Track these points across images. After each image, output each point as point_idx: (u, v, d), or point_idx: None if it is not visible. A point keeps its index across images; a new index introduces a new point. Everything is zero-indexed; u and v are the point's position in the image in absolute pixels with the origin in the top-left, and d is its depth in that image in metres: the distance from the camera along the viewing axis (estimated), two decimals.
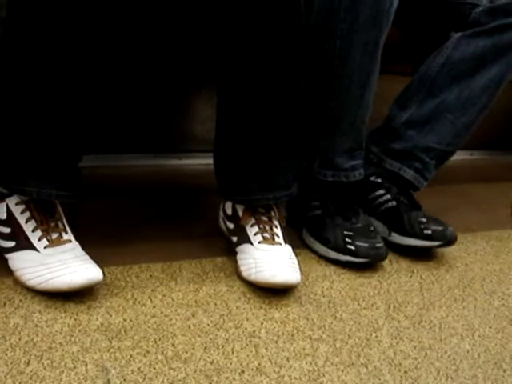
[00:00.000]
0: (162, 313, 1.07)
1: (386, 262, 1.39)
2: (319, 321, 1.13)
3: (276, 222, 1.26)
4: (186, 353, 0.98)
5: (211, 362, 0.97)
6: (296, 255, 1.25)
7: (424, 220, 1.46)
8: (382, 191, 1.53)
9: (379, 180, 1.55)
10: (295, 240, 1.40)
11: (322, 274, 1.30)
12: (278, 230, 1.25)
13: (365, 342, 1.10)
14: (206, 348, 1.00)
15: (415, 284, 1.33)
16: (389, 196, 1.52)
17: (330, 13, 1.30)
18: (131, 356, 0.95)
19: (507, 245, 1.64)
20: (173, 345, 1.00)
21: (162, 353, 0.97)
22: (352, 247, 1.35)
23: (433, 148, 1.53)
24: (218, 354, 1.00)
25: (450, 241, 1.45)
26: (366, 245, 1.35)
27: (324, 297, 1.21)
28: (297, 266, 1.21)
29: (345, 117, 1.39)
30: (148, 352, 0.97)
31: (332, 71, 1.34)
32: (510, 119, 2.47)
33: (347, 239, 1.36)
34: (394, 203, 1.51)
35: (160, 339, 1.00)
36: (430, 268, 1.42)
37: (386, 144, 1.56)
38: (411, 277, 1.36)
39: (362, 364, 1.04)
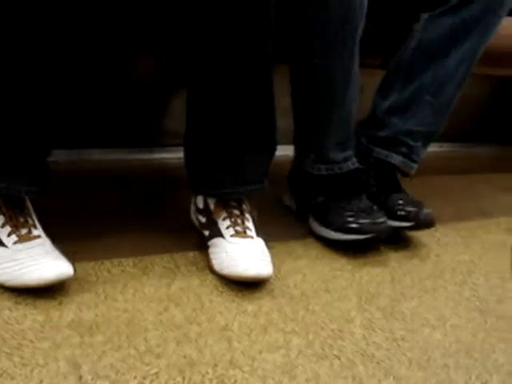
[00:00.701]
0: (134, 307, 1.06)
1: (358, 254, 1.40)
2: (292, 313, 1.13)
3: (248, 216, 1.26)
4: (159, 347, 0.98)
5: (184, 357, 0.97)
6: (268, 248, 1.25)
7: (401, 202, 1.50)
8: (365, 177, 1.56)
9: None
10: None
11: (295, 266, 1.30)
12: (249, 224, 1.24)
13: (337, 333, 1.10)
14: (178, 342, 1.00)
15: (387, 275, 1.34)
16: (372, 182, 1.57)
17: (304, 13, 1.32)
18: (103, 351, 0.94)
19: (476, 235, 1.65)
20: (145, 339, 0.99)
21: (135, 348, 0.96)
22: (355, 225, 1.38)
23: (415, 131, 1.55)
24: (191, 348, 0.99)
25: (423, 223, 1.48)
26: (369, 221, 1.38)
27: (296, 289, 1.22)
28: (269, 259, 1.21)
29: (333, 113, 1.42)
30: (120, 347, 0.96)
31: (314, 70, 1.37)
32: (478, 111, 2.50)
33: (350, 219, 1.39)
34: (375, 189, 1.55)
35: (132, 334, 0.99)
36: (402, 259, 1.43)
37: (372, 133, 1.58)
38: (383, 268, 1.37)
39: (334, 356, 1.04)
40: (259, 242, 1.23)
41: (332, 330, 1.11)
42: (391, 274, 1.35)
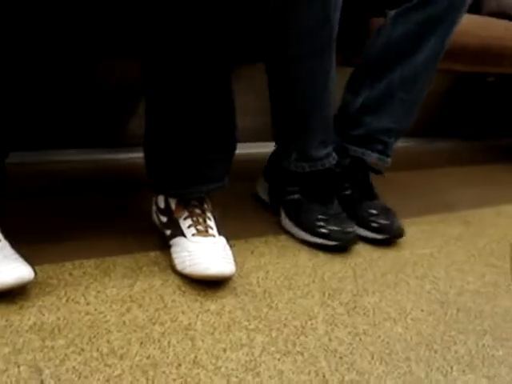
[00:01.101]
0: (96, 310, 1.06)
1: (320, 250, 1.41)
2: (255, 311, 1.14)
3: (209, 215, 1.26)
4: (122, 349, 0.97)
5: (147, 357, 0.97)
6: (230, 246, 1.25)
7: (375, 212, 1.54)
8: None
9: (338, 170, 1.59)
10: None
11: (257, 264, 1.30)
12: (211, 222, 1.24)
13: (300, 330, 1.11)
14: (141, 343, 1.00)
15: (349, 271, 1.35)
16: (346, 185, 1.61)
17: (280, 21, 1.34)
18: (65, 355, 0.94)
19: (437, 230, 1.68)
20: (108, 341, 0.98)
21: (97, 350, 0.96)
22: (325, 231, 1.43)
23: (391, 128, 1.59)
24: (155, 349, 0.99)
25: (394, 236, 1.54)
26: (338, 229, 1.43)
27: (259, 287, 1.22)
28: (231, 258, 1.21)
29: (315, 114, 1.45)
30: (83, 350, 0.95)
31: (294, 76, 1.40)
32: (437, 106, 2.53)
33: (321, 223, 1.44)
34: (350, 192, 1.60)
35: (95, 336, 0.99)
36: (363, 255, 1.44)
37: (346, 132, 1.60)
38: (345, 264, 1.38)
39: (298, 352, 1.05)
40: (221, 241, 1.23)
41: (295, 327, 1.12)
42: (353, 269, 1.36)
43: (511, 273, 1.50)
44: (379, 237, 1.52)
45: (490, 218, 1.85)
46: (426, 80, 1.58)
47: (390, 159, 1.62)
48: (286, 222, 1.51)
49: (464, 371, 1.09)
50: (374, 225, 1.53)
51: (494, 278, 1.45)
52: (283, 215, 1.53)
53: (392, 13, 1.54)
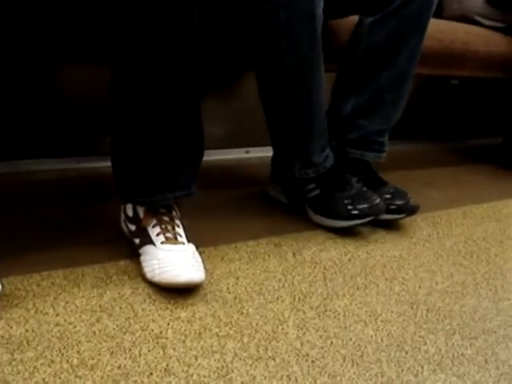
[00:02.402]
0: (65, 320, 1.05)
1: (289, 255, 1.42)
2: (226, 317, 1.14)
3: (178, 222, 1.25)
4: (93, 359, 0.97)
5: (118, 367, 0.96)
6: (200, 253, 1.25)
7: (389, 196, 1.66)
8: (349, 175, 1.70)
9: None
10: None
11: (227, 270, 1.30)
12: (180, 230, 1.24)
13: (272, 335, 1.11)
14: (112, 353, 0.99)
15: (319, 275, 1.36)
16: (356, 179, 1.71)
17: (275, 47, 1.42)
18: (35, 367, 0.92)
19: (406, 231, 1.69)
20: (78, 352, 0.98)
21: (68, 361, 0.95)
22: (356, 212, 1.54)
23: (383, 129, 1.72)
24: (126, 358, 0.98)
25: (412, 211, 1.69)
26: (367, 205, 1.55)
27: (230, 293, 1.22)
28: (201, 264, 1.21)
29: (312, 126, 1.54)
30: (52, 362, 0.94)
31: (289, 94, 1.48)
32: (407, 110, 2.55)
33: (349, 206, 1.55)
34: (361, 184, 1.70)
35: (64, 347, 0.98)
36: (333, 258, 1.45)
37: (341, 136, 1.70)
38: (315, 268, 1.38)
39: (269, 357, 1.05)
40: (190, 248, 1.22)
41: (266, 332, 1.12)
42: (323, 273, 1.37)
43: None
44: (399, 216, 1.67)
45: (457, 219, 1.88)
46: (410, 78, 1.68)
47: (385, 154, 1.75)
48: (318, 218, 1.61)
49: (434, 371, 1.10)
50: (393, 207, 1.65)
51: (462, 278, 1.47)
52: (311, 213, 1.63)
53: (369, 20, 1.61)
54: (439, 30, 2.09)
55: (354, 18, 1.70)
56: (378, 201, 1.57)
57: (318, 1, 1.41)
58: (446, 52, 2.13)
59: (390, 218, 1.65)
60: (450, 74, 2.45)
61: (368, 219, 1.56)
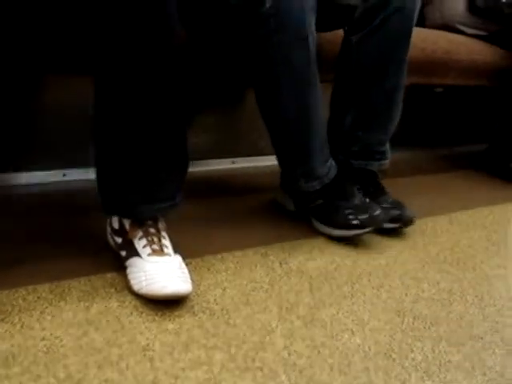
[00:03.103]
0: (51, 334, 1.04)
1: (276, 265, 1.42)
2: (213, 329, 1.14)
3: (164, 233, 1.25)
4: (79, 373, 0.96)
5: (105, 380, 0.96)
6: (186, 265, 1.25)
7: (386, 206, 1.71)
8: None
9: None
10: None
11: (214, 281, 1.30)
12: (166, 241, 1.24)
13: (259, 345, 1.11)
14: (99, 366, 0.99)
15: (305, 284, 1.36)
16: (357, 187, 1.76)
17: (270, 73, 1.47)
18: (21, 383, 0.92)
19: (391, 239, 1.69)
20: (65, 366, 0.97)
21: (54, 376, 0.95)
22: (356, 222, 1.58)
23: (384, 138, 1.78)
24: (113, 371, 0.98)
25: (407, 222, 1.74)
26: (367, 216, 1.58)
27: (217, 304, 1.22)
28: (187, 276, 1.21)
29: (316, 141, 1.58)
30: (39, 376, 0.94)
31: (287, 113, 1.52)
32: None
33: (351, 216, 1.59)
34: (362, 193, 1.75)
35: (51, 362, 0.98)
36: (319, 267, 1.45)
37: (346, 149, 1.76)
38: (301, 277, 1.38)
39: (257, 367, 1.05)
40: (177, 259, 1.22)
41: (253, 342, 1.12)
42: (309, 282, 1.37)
43: None
44: (395, 226, 1.72)
45: (443, 226, 1.89)
46: (401, 88, 1.73)
47: (388, 160, 1.81)
48: (319, 225, 1.65)
49: (422, 378, 1.10)
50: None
51: (449, 285, 1.47)
52: (314, 220, 1.67)
53: (355, 39, 1.67)
54: (421, 39, 2.10)
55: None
56: (378, 212, 1.60)
57: (310, 21, 1.44)
58: (428, 61, 2.15)
59: (386, 226, 1.69)
60: (433, 82, 2.47)
61: (367, 230, 1.59)
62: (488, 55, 2.42)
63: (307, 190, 1.63)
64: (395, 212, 1.71)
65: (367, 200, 1.68)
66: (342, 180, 1.68)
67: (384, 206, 1.70)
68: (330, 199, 1.63)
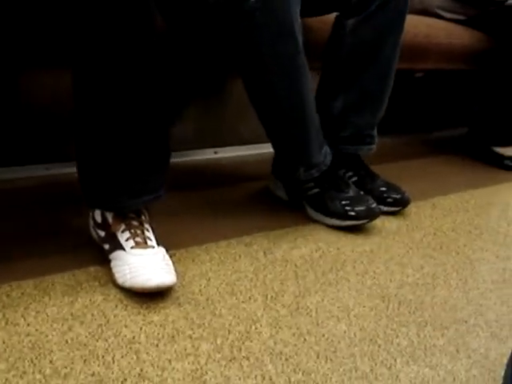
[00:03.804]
0: (36, 330, 1.04)
1: (260, 254, 1.42)
2: (199, 319, 1.14)
3: (147, 226, 1.25)
4: (66, 368, 0.96)
5: (92, 374, 0.96)
6: (170, 256, 1.24)
7: (385, 189, 1.78)
8: (344, 170, 1.81)
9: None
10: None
11: (199, 272, 1.30)
12: (149, 234, 1.24)
13: (245, 335, 1.11)
14: (85, 361, 0.98)
15: (290, 273, 1.36)
16: (351, 173, 1.81)
17: (259, 56, 1.45)
18: (6, 379, 0.92)
19: (375, 225, 1.70)
20: (51, 362, 0.97)
21: (40, 371, 0.94)
22: (353, 213, 1.60)
23: (373, 122, 1.81)
24: (99, 365, 0.98)
25: (405, 204, 1.80)
26: (364, 208, 1.61)
27: (202, 295, 1.22)
28: (172, 267, 1.20)
29: (310, 130, 1.58)
30: (25, 373, 0.94)
31: (282, 106, 1.52)
32: None
33: (347, 207, 1.60)
34: (356, 178, 1.80)
35: (37, 358, 0.97)
36: (304, 255, 1.45)
37: (335, 135, 1.76)
38: (286, 266, 1.39)
39: (243, 357, 1.05)
40: (161, 251, 1.22)
41: (239, 332, 1.12)
42: (294, 270, 1.37)
43: None
44: (395, 209, 1.78)
45: (426, 211, 1.89)
46: (392, 73, 1.75)
47: (375, 145, 1.84)
48: (314, 214, 1.66)
49: (407, 363, 1.11)
50: (389, 200, 1.76)
51: (432, 270, 1.48)
52: (309, 209, 1.67)
53: (351, 22, 1.67)
54: None
55: (331, 16, 1.74)
56: (374, 205, 1.63)
57: (295, 11, 1.43)
58: (409, 46, 2.15)
59: (386, 210, 1.74)
60: (414, 67, 2.47)
61: (363, 221, 1.62)
62: (467, 39, 2.43)
63: (305, 178, 1.64)
64: (396, 195, 1.78)
65: (362, 193, 1.68)
66: (336, 168, 1.70)
67: (382, 189, 1.76)
68: (326, 189, 1.64)
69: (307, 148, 1.60)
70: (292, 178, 1.68)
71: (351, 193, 1.65)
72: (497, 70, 2.51)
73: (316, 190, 1.65)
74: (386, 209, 1.75)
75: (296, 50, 1.46)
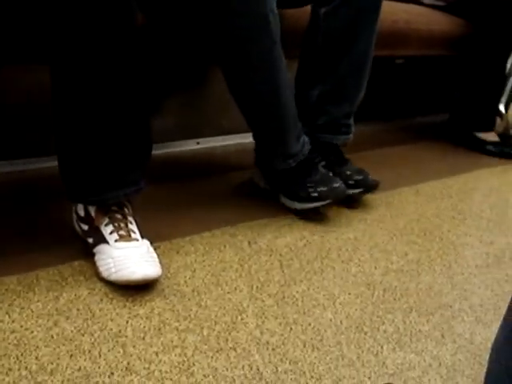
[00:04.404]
0: (21, 326, 1.03)
1: (245, 244, 1.42)
2: (185, 311, 1.14)
3: (131, 219, 1.24)
4: (52, 364, 0.96)
5: (78, 369, 0.95)
6: (155, 248, 1.24)
7: (349, 173, 1.74)
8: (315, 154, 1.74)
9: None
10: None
11: (183, 263, 1.30)
12: (133, 226, 1.23)
13: (231, 325, 1.11)
14: (71, 356, 0.98)
15: (275, 262, 1.36)
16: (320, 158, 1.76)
17: (239, 47, 1.44)
18: None
19: (359, 213, 1.71)
20: (36, 358, 0.96)
21: (26, 368, 0.94)
22: (316, 194, 1.59)
23: (350, 111, 1.79)
24: (85, 360, 0.98)
25: (370, 186, 1.75)
26: (326, 188, 1.59)
27: (187, 286, 1.22)
28: (156, 260, 1.20)
29: (286, 123, 1.58)
30: (10, 370, 0.93)
31: (261, 96, 1.51)
32: None
33: (311, 189, 1.59)
34: (324, 163, 1.75)
35: (22, 354, 0.97)
36: (289, 244, 1.45)
37: (311, 123, 1.74)
38: (271, 255, 1.39)
39: (230, 348, 1.05)
40: (145, 244, 1.22)
41: (226, 323, 1.12)
42: (279, 260, 1.37)
43: None
44: (358, 190, 1.73)
45: (409, 197, 1.90)
46: (369, 61, 1.74)
47: (352, 134, 1.82)
48: (285, 200, 1.65)
49: (394, 349, 1.12)
50: (351, 182, 1.71)
51: (417, 256, 1.49)
52: (281, 196, 1.66)
53: (322, 10, 1.66)
54: (383, 11, 2.10)
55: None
56: (337, 184, 1.61)
57: (271, 1, 1.42)
58: (388, 32, 2.15)
59: (349, 192, 1.70)
60: (395, 53, 2.47)
61: (327, 201, 1.60)
62: (446, 25, 2.43)
63: (283, 168, 1.63)
64: (358, 177, 1.74)
65: (331, 174, 1.67)
66: (311, 156, 1.68)
67: (347, 173, 1.73)
68: (294, 174, 1.63)
69: (284, 138, 1.60)
70: (270, 168, 1.67)
71: (318, 175, 1.64)
72: (476, 55, 2.52)
73: (290, 176, 1.64)
74: (350, 191, 1.70)
75: (272, 41, 1.45)
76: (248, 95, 1.53)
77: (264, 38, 1.44)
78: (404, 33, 2.22)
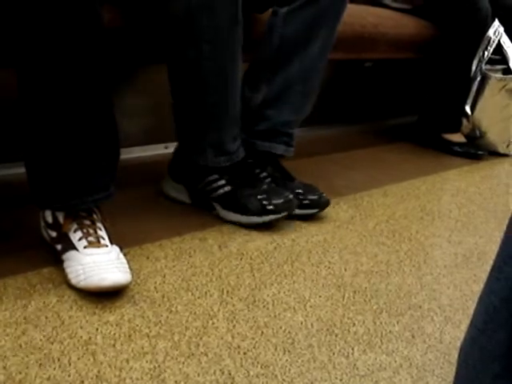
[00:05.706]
0: None
1: (215, 248, 1.42)
2: (155, 317, 1.13)
3: (100, 225, 1.23)
4: (20, 373, 0.94)
5: (48, 378, 0.94)
6: (124, 254, 1.23)
7: (301, 191, 1.65)
8: (258, 170, 1.69)
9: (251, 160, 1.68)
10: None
11: (154, 269, 1.29)
12: (102, 233, 1.22)
13: (202, 330, 1.11)
14: (40, 365, 0.97)
15: (246, 266, 1.36)
16: (265, 174, 1.69)
17: (191, 22, 1.40)
18: None
19: (329, 215, 1.71)
20: (4, 368, 0.95)
21: None
22: (271, 207, 1.53)
23: (292, 120, 1.70)
24: (55, 369, 0.96)
25: (324, 205, 1.68)
26: (282, 200, 1.54)
27: (157, 292, 1.21)
28: (126, 266, 1.19)
29: (226, 112, 1.52)
30: None
31: (205, 76, 1.46)
32: (323, 95, 2.58)
33: (264, 202, 1.53)
34: (270, 179, 1.68)
35: None
36: (259, 248, 1.45)
37: (250, 128, 1.67)
38: (241, 259, 1.39)
39: (201, 353, 1.05)
40: (114, 250, 1.21)
41: (196, 328, 1.12)
42: (250, 263, 1.37)
43: None
44: (312, 211, 1.65)
45: (379, 199, 1.92)
46: (320, 69, 1.70)
47: (292, 149, 1.73)
48: (227, 214, 1.57)
49: (364, 351, 1.12)
50: (306, 202, 1.64)
51: (386, 257, 1.50)
52: (220, 209, 1.58)
53: (283, 10, 1.62)
54: (349, 15, 2.10)
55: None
56: (291, 196, 1.57)
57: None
58: (357, 36, 2.17)
59: (303, 213, 1.64)
60: (363, 57, 2.49)
61: (283, 214, 1.55)
62: (413, 28, 2.46)
63: (213, 165, 1.56)
64: (313, 196, 1.66)
65: (273, 185, 1.62)
66: (249, 166, 1.64)
67: (298, 191, 1.64)
68: (238, 186, 1.57)
69: (220, 132, 1.54)
70: (198, 163, 1.58)
71: (264, 186, 1.59)
72: (442, 58, 2.55)
73: (227, 188, 1.57)
74: (303, 212, 1.64)
75: (235, 40, 1.45)
76: (196, 72, 1.47)
77: (227, 35, 1.43)
78: (373, 36, 2.23)
